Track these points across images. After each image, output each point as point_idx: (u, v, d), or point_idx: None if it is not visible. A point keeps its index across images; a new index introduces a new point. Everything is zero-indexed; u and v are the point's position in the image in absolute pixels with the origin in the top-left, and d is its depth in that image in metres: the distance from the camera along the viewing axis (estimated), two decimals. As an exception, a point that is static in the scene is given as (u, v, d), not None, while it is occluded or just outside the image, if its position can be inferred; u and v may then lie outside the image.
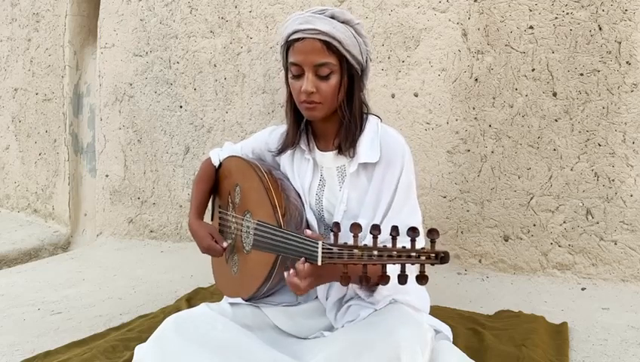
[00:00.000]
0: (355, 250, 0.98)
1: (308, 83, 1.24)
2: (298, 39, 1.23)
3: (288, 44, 1.26)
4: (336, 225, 1.03)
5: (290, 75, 1.29)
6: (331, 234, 1.03)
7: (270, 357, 1.17)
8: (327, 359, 1.11)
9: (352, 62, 1.26)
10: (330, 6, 1.28)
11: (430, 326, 1.28)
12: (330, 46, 1.22)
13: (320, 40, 1.21)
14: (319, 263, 1.01)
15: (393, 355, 1.06)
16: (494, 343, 1.59)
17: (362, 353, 1.08)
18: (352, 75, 1.28)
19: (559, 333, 1.70)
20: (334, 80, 1.25)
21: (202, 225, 1.50)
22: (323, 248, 1.01)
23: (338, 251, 0.99)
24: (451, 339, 1.37)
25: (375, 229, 0.98)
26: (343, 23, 1.25)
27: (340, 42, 1.22)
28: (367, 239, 1.01)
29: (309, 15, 1.23)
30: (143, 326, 1.83)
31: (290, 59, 1.26)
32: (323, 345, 1.20)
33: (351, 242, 1.00)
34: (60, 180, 3.71)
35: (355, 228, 1.00)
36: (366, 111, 1.36)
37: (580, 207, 2.18)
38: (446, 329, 1.37)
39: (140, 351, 1.25)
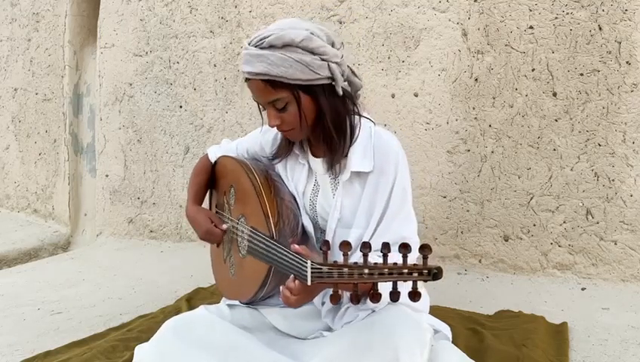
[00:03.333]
0: (345, 269, 0.96)
1: (270, 118, 1.24)
2: (247, 79, 1.23)
3: (246, 79, 1.25)
4: (326, 243, 1.01)
5: (260, 107, 1.29)
6: (321, 252, 1.02)
7: (269, 358, 1.17)
8: (326, 360, 1.11)
9: (307, 83, 1.19)
10: (272, 30, 1.18)
11: (430, 326, 1.28)
12: (273, 83, 1.18)
13: (262, 80, 1.18)
14: (309, 283, 1.00)
15: (392, 356, 1.06)
16: (494, 343, 1.59)
17: (361, 354, 1.08)
18: (314, 93, 1.22)
19: (559, 333, 1.70)
20: (292, 109, 1.21)
21: (200, 209, 1.48)
22: (312, 268, 0.99)
23: (328, 271, 0.98)
24: (451, 339, 1.37)
25: (365, 247, 0.96)
26: (283, 48, 1.16)
27: (281, 77, 1.16)
28: (357, 256, 1.00)
29: (247, 53, 1.18)
30: (143, 326, 1.83)
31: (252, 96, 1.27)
32: (322, 346, 1.20)
33: (341, 260, 0.99)
34: (59, 180, 3.71)
35: (345, 246, 0.98)
36: (357, 113, 1.30)
37: (579, 207, 2.18)
38: (446, 329, 1.37)
39: (140, 352, 1.25)
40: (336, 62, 1.22)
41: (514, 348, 1.56)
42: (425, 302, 1.37)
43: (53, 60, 3.73)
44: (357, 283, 0.97)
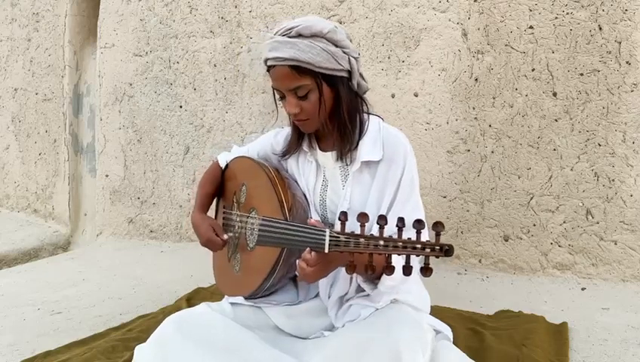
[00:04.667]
0: (362, 239, 0.99)
1: (290, 106, 1.27)
2: (271, 66, 1.26)
3: (268, 68, 1.29)
4: (344, 213, 1.05)
5: (277, 97, 1.33)
6: (339, 222, 1.05)
7: (270, 356, 1.17)
8: (326, 359, 1.11)
9: (330, 73, 1.25)
10: (298, 22, 1.25)
11: (430, 326, 1.28)
12: (299, 69, 1.23)
13: (289, 66, 1.23)
14: (326, 251, 1.03)
15: (393, 355, 1.06)
16: (494, 343, 1.59)
17: (362, 353, 1.08)
18: (335, 84, 1.27)
19: (559, 333, 1.70)
20: (314, 97, 1.26)
21: (205, 218, 1.51)
22: (330, 236, 1.02)
23: (345, 239, 1.01)
24: (451, 339, 1.37)
25: (382, 219, 1.00)
26: (311, 37, 1.22)
27: (308, 63, 1.22)
28: (373, 230, 1.02)
29: (275, 40, 1.24)
30: (143, 326, 1.83)
31: (272, 84, 1.30)
32: (323, 345, 1.20)
33: (358, 232, 1.01)
34: (59, 180, 3.71)
35: (363, 217, 1.02)
36: (366, 111, 1.36)
37: (579, 207, 2.18)
38: (446, 329, 1.37)
39: (140, 351, 1.25)
40: (355, 58, 1.29)
41: (514, 348, 1.56)
42: (425, 302, 1.38)
43: (53, 60, 3.73)
44: (372, 253, 1.00)
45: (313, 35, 1.23)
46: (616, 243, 2.12)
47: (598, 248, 2.15)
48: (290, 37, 1.23)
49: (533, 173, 2.24)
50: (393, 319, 1.17)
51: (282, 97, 1.30)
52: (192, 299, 2.09)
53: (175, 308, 2.00)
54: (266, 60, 1.27)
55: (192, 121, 3.02)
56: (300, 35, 1.23)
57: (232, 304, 1.39)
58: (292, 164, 1.46)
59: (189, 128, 3.03)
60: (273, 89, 1.31)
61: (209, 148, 2.96)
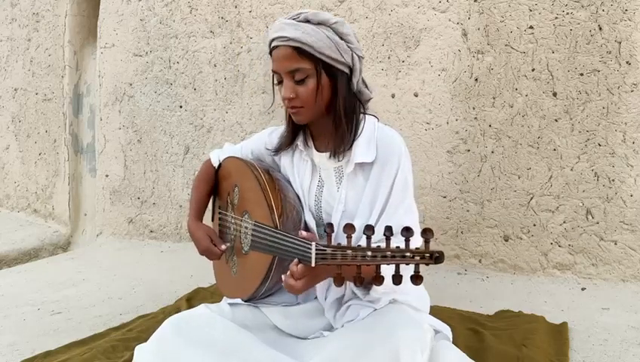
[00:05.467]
0: (349, 251, 0.97)
1: (286, 90, 1.27)
2: (275, 47, 1.27)
3: (270, 52, 1.30)
4: (330, 225, 1.03)
5: (275, 82, 1.33)
6: (325, 234, 1.03)
7: (269, 357, 1.17)
8: (326, 359, 1.11)
9: (331, 62, 1.25)
10: (307, 9, 1.29)
11: (430, 326, 1.28)
12: (301, 51, 1.23)
13: (291, 46, 1.24)
14: (313, 264, 1.01)
15: (392, 356, 1.06)
16: (494, 343, 1.59)
17: (361, 353, 1.08)
18: (334, 76, 1.27)
19: (559, 333, 1.70)
20: (311, 83, 1.26)
21: (201, 227, 1.50)
22: (316, 249, 1.00)
23: (332, 252, 0.98)
24: (451, 339, 1.37)
25: (368, 230, 0.97)
26: (318, 24, 1.24)
27: (311, 46, 1.23)
28: (361, 240, 1.01)
29: (282, 22, 1.26)
30: (143, 326, 1.84)
31: (271, 67, 1.30)
32: (322, 345, 1.20)
33: (345, 243, 1.00)
34: (59, 180, 3.71)
35: (349, 228, 0.99)
36: (362, 111, 1.34)
37: (580, 207, 2.18)
38: (446, 329, 1.37)
39: (140, 352, 1.25)
40: (359, 56, 1.29)
41: (514, 348, 1.56)
42: (425, 302, 1.38)
43: (53, 60, 3.73)
44: (360, 265, 0.98)
45: (320, 23, 1.25)
46: (616, 243, 2.12)
47: (598, 248, 2.15)
48: (297, 20, 1.25)
49: (533, 173, 2.24)
50: (392, 319, 1.16)
51: (280, 82, 1.30)
52: (192, 299, 2.09)
53: (175, 308, 2.00)
54: (270, 42, 1.28)
55: (192, 121, 3.02)
56: (307, 21, 1.25)
57: (230, 305, 1.39)
58: (286, 162, 1.44)
59: (189, 128, 3.03)
60: (273, 74, 1.31)
61: (209, 148, 2.96)
